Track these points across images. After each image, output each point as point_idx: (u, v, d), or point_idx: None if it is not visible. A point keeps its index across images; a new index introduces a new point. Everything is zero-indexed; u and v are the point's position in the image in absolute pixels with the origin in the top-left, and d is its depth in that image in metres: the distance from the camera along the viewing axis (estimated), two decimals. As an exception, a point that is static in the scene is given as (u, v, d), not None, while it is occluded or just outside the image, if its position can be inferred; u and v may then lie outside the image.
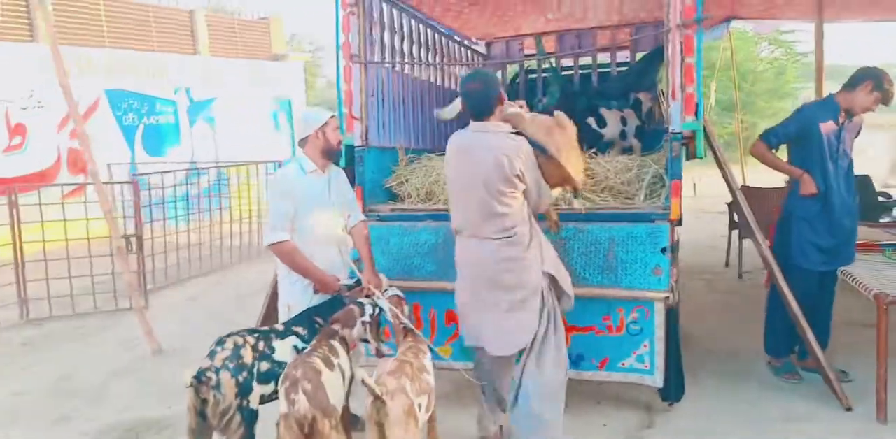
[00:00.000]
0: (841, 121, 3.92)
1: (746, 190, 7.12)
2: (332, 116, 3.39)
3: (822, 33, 6.58)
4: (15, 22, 9.53)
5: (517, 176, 2.96)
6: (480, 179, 2.99)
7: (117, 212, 8.17)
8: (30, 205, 6.05)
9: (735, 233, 6.76)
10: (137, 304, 5.16)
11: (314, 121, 3.34)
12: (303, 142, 3.36)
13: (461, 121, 5.69)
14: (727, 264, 7.10)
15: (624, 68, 5.93)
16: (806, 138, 3.94)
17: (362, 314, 3.01)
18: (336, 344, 2.84)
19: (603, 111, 4.96)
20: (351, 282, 3.35)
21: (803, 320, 3.71)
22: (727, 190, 4.08)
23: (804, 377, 4.03)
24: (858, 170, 4.20)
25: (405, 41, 4.77)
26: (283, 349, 2.92)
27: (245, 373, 2.72)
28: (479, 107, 3.07)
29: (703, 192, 13.76)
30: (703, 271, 7.00)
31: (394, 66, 4.50)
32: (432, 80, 5.36)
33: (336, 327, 2.91)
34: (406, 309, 3.27)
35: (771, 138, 4.06)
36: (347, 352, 2.88)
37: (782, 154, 4.21)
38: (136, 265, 6.28)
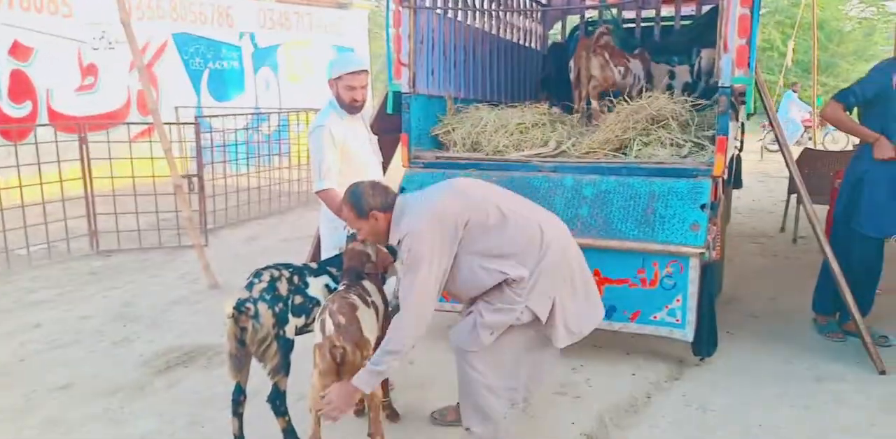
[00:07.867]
0: None
1: (810, 152, 6.93)
2: (350, 73, 3.28)
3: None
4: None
5: None
6: None
7: (183, 153, 8.55)
8: (99, 142, 6.33)
9: (793, 197, 6.57)
10: (196, 241, 5.41)
11: (334, 70, 3.34)
12: (329, 82, 3.38)
13: (513, 73, 5.69)
14: (783, 229, 6.93)
15: (688, 22, 5.73)
16: (884, 98, 3.71)
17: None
18: (367, 283, 2.92)
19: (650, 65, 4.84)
20: None
21: (844, 283, 3.64)
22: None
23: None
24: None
25: (459, -13, 4.70)
26: (316, 286, 2.99)
27: (281, 304, 2.82)
28: None
29: (770, 157, 13.29)
30: (759, 235, 6.86)
31: (445, 12, 4.45)
32: (486, 28, 5.27)
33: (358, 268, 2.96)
34: None
35: (849, 98, 3.78)
36: (379, 289, 2.98)
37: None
38: (198, 204, 6.57)
